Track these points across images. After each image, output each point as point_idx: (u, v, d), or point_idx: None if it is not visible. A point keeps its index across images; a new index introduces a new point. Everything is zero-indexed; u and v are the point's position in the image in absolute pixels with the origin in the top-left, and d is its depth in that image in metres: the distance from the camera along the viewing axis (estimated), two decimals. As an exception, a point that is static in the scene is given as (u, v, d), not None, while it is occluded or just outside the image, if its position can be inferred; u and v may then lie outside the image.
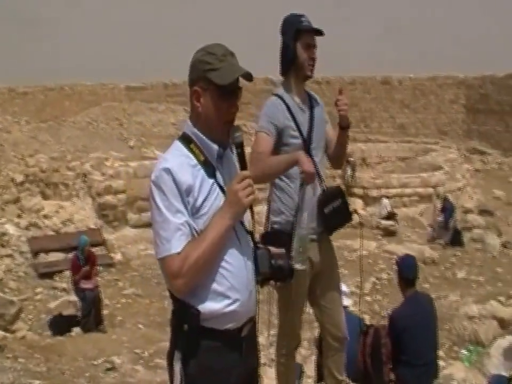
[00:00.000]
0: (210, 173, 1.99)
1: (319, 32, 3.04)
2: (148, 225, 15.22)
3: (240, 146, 2.02)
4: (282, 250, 2.25)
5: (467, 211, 16.53)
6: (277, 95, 3.10)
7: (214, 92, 1.96)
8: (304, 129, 3.07)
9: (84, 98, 45.14)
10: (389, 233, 14.08)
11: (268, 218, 3.16)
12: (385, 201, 15.82)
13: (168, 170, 1.89)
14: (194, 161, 1.97)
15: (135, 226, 14.21)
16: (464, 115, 32.41)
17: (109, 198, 14.41)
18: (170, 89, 42.88)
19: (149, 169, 15.28)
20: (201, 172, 1.96)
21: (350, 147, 20.92)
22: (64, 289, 10.39)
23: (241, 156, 2.02)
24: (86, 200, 15.60)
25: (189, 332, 1.96)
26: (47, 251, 12.13)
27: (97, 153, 21.23)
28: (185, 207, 1.91)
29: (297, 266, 2.65)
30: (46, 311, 9.26)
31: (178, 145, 2.03)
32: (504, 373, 4.60)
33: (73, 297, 9.25)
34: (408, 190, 17.37)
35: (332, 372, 3.40)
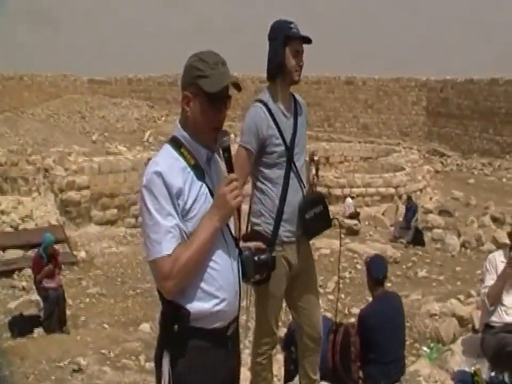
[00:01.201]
0: (200, 175, 2.03)
1: (308, 40, 3.05)
2: (112, 222, 15.11)
3: (227, 150, 2.07)
4: (262, 245, 2.34)
5: (427, 211, 16.93)
6: (261, 101, 3.08)
7: (203, 98, 2.01)
8: (288, 136, 3.07)
9: (44, 90, 43.95)
10: (352, 232, 14.29)
11: (248, 218, 3.19)
12: (348, 200, 16.05)
13: (159, 174, 1.93)
14: (184, 164, 2.01)
15: (99, 223, 13.99)
16: (425, 117, 33.18)
17: (72, 194, 14.13)
18: (134, 85, 42.33)
19: (114, 164, 15.11)
20: (191, 175, 2.01)
21: (314, 146, 21.26)
22: (24, 288, 10.08)
23: (228, 160, 2.07)
24: (47, 195, 15.27)
25: (179, 332, 2.00)
26: (4, 248, 11.81)
27: (59, 147, 20.81)
28: (176, 210, 1.95)
29: None
30: (5, 312, 8.91)
31: (168, 149, 2.05)
32: (467, 369, 4.73)
33: (35, 297, 8.99)
34: (371, 190, 17.71)
35: (307, 372, 3.45)
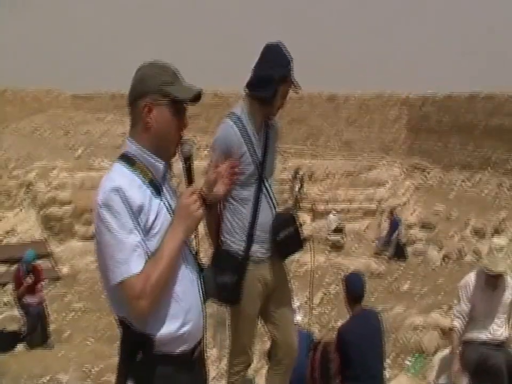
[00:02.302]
0: (157, 192, 1.93)
1: (297, 89, 3.01)
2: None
3: (189, 159, 2.00)
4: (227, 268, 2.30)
5: (409, 226, 17.08)
6: (235, 115, 3.01)
7: (171, 106, 1.92)
8: (258, 155, 3.02)
9: (27, 104, 43.66)
10: (337, 247, 14.33)
11: (218, 237, 3.09)
12: (332, 216, 16.09)
13: (117, 190, 1.80)
14: (140, 181, 1.90)
15: (83, 238, 13.85)
16: (406, 133, 33.51)
17: (54, 210, 14.02)
18: (118, 100, 42.20)
19: (97, 180, 15.00)
20: (148, 192, 1.90)
21: (298, 162, 21.38)
22: (7, 304, 9.98)
23: (188, 170, 2.00)
24: (30, 210, 15.13)
25: (143, 360, 1.88)
26: (-14, 263, 11.72)
27: (42, 162, 20.64)
28: (138, 226, 1.83)
29: None
30: (-13, 327, 8.79)
31: (120, 167, 1.93)
32: (445, 382, 4.77)
33: (17, 312, 8.88)
34: (354, 205, 17.82)
35: None
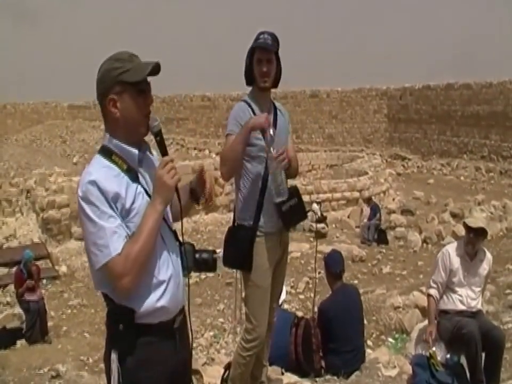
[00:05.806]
0: (134, 178, 1.99)
1: (264, 48, 3.08)
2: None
3: (159, 134, 2.05)
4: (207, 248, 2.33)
5: (390, 212, 17.09)
6: (244, 101, 3.21)
7: (131, 90, 1.96)
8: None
9: (26, 117, 43.86)
10: (320, 236, 14.27)
11: (234, 215, 3.26)
12: (315, 206, 16.08)
13: (93, 183, 1.87)
14: (117, 170, 1.96)
15: (79, 238, 13.86)
16: (386, 124, 33.62)
17: (53, 213, 14.02)
18: (111, 107, 42.20)
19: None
20: (125, 179, 1.96)
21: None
22: (8, 303, 10.01)
23: (160, 143, 2.05)
24: (29, 215, 15.13)
25: (125, 330, 1.93)
26: (-11, 266, 11.68)
27: (41, 169, 20.62)
28: (116, 212, 1.90)
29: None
30: (-12, 326, 8.78)
31: (99, 159, 1.99)
32: (424, 353, 4.75)
33: (17, 310, 8.97)
34: (336, 195, 17.85)
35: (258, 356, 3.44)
